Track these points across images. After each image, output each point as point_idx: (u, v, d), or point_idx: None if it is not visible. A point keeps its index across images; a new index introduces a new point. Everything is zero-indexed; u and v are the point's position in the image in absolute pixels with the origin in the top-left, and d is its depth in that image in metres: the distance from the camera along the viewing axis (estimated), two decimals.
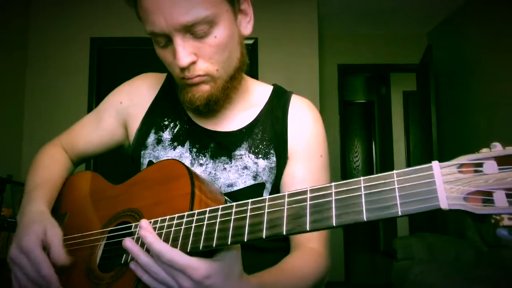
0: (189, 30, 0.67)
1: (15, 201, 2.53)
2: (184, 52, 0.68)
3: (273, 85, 0.92)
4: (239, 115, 0.85)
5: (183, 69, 0.71)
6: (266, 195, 0.79)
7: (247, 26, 0.79)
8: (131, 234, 0.64)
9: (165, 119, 0.87)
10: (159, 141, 0.85)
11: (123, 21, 3.42)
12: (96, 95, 3.35)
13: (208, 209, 0.55)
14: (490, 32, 3.31)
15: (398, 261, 3.17)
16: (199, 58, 0.70)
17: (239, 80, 0.81)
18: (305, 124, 0.85)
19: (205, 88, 0.74)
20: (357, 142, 6.32)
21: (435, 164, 0.39)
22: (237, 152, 0.81)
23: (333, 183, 0.46)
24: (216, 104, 0.77)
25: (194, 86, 0.74)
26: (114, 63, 3.42)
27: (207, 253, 0.55)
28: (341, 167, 4.29)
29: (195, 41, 0.69)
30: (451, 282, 2.46)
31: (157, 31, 0.68)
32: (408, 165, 5.21)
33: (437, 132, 3.77)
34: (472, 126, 3.57)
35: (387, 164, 5.38)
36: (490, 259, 2.88)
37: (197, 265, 0.52)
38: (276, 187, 0.83)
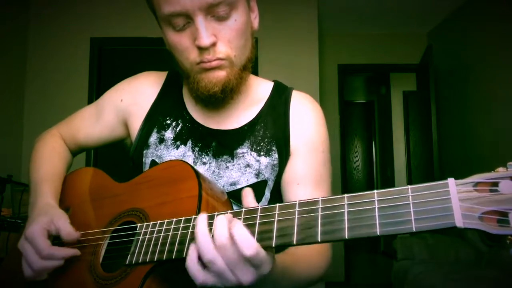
0: (212, 10, 0.68)
1: (15, 201, 2.53)
2: (207, 32, 0.69)
3: (273, 81, 0.92)
4: (241, 112, 0.85)
5: (202, 51, 0.71)
6: (267, 193, 0.81)
7: (254, 21, 0.81)
8: (135, 235, 0.64)
9: (167, 118, 0.87)
10: (161, 140, 0.85)
11: (123, 21, 3.41)
12: (96, 95, 3.34)
13: (216, 213, 0.55)
14: (490, 32, 3.31)
15: (398, 261, 3.18)
16: (219, 41, 0.71)
17: (249, 71, 0.82)
18: (307, 120, 0.84)
19: (222, 73, 0.73)
20: (357, 142, 6.32)
21: (451, 181, 0.39)
22: (239, 150, 0.81)
23: (345, 195, 0.46)
24: (231, 92, 0.77)
25: (210, 72, 0.73)
26: (114, 63, 3.41)
27: None
28: (341, 167, 4.28)
29: (216, 23, 0.70)
30: (451, 282, 2.46)
31: (179, 10, 0.68)
32: (408, 165, 5.21)
33: (437, 132, 3.77)
34: (472, 126, 3.57)
35: (387, 164, 5.38)
36: (490, 259, 2.89)
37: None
38: (278, 184, 0.83)
